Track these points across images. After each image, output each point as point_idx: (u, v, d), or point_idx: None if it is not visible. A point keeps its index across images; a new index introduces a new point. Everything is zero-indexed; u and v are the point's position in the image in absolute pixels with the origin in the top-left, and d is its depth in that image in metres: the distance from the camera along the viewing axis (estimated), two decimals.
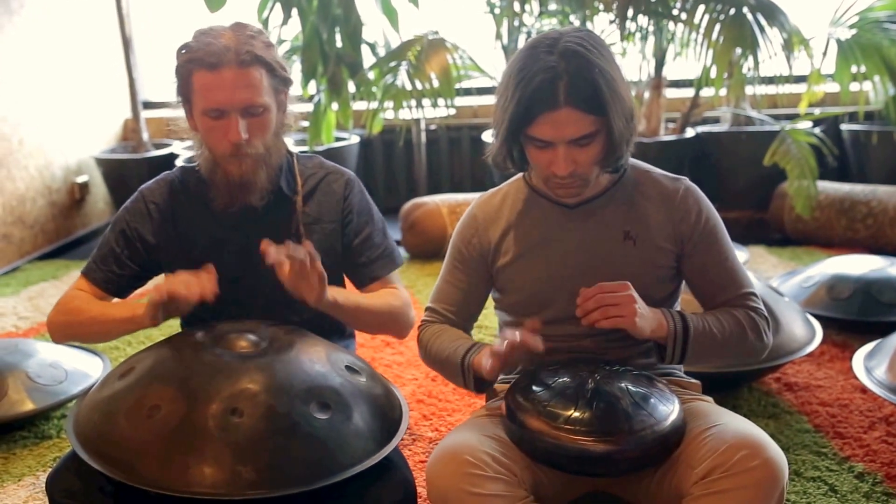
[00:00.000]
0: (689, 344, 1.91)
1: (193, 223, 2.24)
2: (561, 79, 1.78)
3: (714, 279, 2.01)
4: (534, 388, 1.83)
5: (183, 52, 2.09)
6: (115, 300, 2.28)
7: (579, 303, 1.85)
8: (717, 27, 4.30)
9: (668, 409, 1.78)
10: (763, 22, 4.27)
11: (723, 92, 4.83)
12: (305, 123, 5.10)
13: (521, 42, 5.02)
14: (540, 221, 2.03)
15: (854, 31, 4.64)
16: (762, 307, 2.01)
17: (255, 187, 2.15)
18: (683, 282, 2.08)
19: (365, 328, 2.29)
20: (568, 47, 1.80)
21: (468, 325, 2.15)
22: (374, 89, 4.79)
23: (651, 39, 4.81)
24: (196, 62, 2.05)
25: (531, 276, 2.01)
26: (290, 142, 2.45)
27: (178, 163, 5.16)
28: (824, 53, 4.70)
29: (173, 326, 2.37)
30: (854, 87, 4.76)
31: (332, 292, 2.10)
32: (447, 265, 2.14)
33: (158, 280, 2.11)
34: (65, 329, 2.23)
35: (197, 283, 1.98)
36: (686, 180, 2.04)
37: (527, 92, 1.79)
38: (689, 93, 5.18)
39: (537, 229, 2.02)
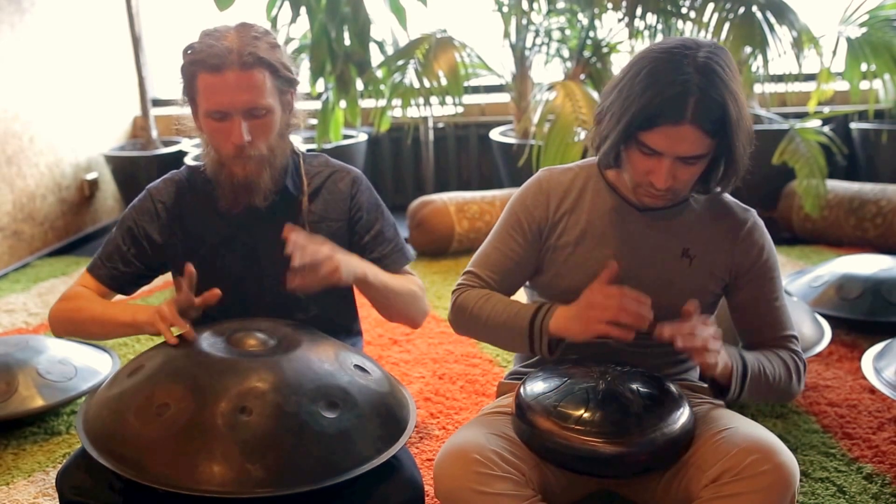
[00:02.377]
0: (746, 385, 1.89)
1: (200, 222, 2.24)
2: (693, 94, 1.74)
3: (761, 316, 2.01)
4: (544, 387, 1.83)
5: (188, 52, 2.09)
6: (118, 297, 2.29)
7: (675, 333, 1.77)
8: (727, 25, 4.30)
9: (679, 412, 1.77)
10: (772, 20, 4.27)
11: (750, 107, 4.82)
12: (314, 121, 5.10)
13: (530, 40, 5.02)
14: (605, 214, 1.99)
15: (864, 30, 4.62)
16: (801, 351, 2.01)
17: (258, 188, 2.15)
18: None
19: (389, 308, 2.26)
20: (707, 63, 1.76)
21: (509, 295, 2.06)
22: (382, 87, 4.79)
23: (659, 38, 4.80)
24: (199, 64, 2.05)
25: (583, 265, 1.98)
26: (297, 140, 2.45)
27: (188, 160, 5.17)
28: (834, 52, 4.68)
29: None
30: (864, 85, 4.74)
31: (361, 268, 2.10)
32: (499, 232, 2.06)
33: (154, 310, 2.10)
34: (65, 324, 2.24)
35: (169, 332, 2.00)
36: (754, 213, 2.03)
37: (655, 99, 1.75)
38: None
39: (601, 221, 1.99)
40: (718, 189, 1.94)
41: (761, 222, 2.02)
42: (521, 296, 2.16)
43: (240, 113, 2.05)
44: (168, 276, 2.37)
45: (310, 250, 1.95)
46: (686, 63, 1.76)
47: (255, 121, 2.08)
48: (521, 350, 2.00)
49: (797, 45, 4.26)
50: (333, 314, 2.31)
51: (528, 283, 2.13)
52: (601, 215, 2.00)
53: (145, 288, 2.36)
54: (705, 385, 2.05)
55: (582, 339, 1.84)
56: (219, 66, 2.02)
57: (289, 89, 2.15)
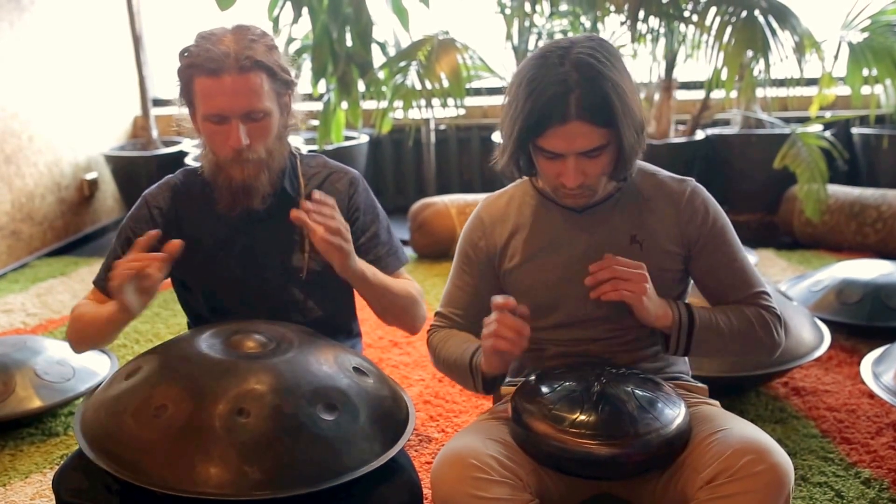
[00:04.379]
0: (694, 335, 1.90)
1: (197, 226, 2.24)
2: (572, 91, 1.76)
3: (723, 280, 2.00)
4: (540, 390, 1.83)
5: (184, 55, 2.08)
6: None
7: (592, 270, 1.85)
8: (729, 29, 4.29)
9: (674, 413, 1.77)
10: (774, 24, 4.26)
11: (733, 94, 4.82)
12: (315, 122, 5.10)
13: (532, 43, 5.02)
14: (547, 225, 2.02)
15: (866, 35, 4.62)
16: (775, 305, 2.00)
17: (256, 191, 2.15)
18: (690, 286, 2.07)
19: (388, 310, 2.26)
20: (581, 58, 1.78)
21: (479, 330, 2.08)
22: (383, 89, 4.79)
23: (662, 41, 4.80)
24: (196, 67, 2.05)
25: (539, 280, 2.00)
26: (298, 141, 2.44)
27: (188, 160, 5.17)
28: (836, 56, 4.68)
29: (181, 325, 2.37)
30: (865, 90, 4.74)
31: (362, 265, 2.11)
32: (455, 269, 2.13)
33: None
34: (74, 336, 2.23)
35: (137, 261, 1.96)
36: (692, 181, 2.03)
37: (537, 104, 1.78)
38: (699, 95, 5.17)
39: (545, 233, 2.01)
40: (628, 172, 1.94)
41: (701, 188, 2.02)
42: None
43: (238, 116, 2.05)
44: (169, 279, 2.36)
45: (336, 219, 2.00)
46: (561, 62, 1.79)
47: (253, 124, 2.07)
48: (472, 391, 2.03)
49: (799, 49, 4.26)
50: (333, 316, 2.30)
51: None
52: (543, 227, 2.02)
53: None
54: (701, 385, 2.06)
55: (490, 369, 1.89)
56: (216, 70, 2.02)
57: (286, 91, 2.15)
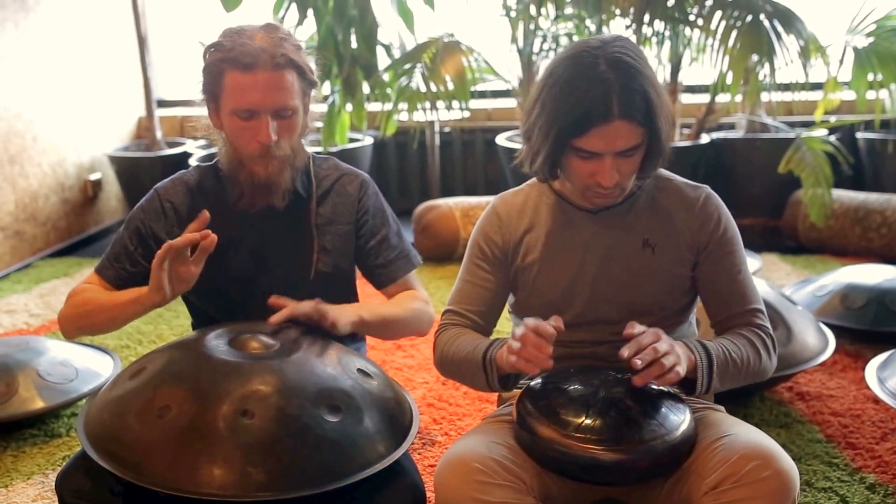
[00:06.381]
0: (714, 374, 1.88)
1: (209, 223, 2.24)
2: (613, 91, 1.76)
3: (724, 290, 2.00)
4: (545, 394, 1.83)
5: (213, 50, 2.09)
6: None
7: (628, 356, 1.75)
8: (734, 33, 4.28)
9: (680, 419, 1.77)
10: (780, 29, 4.25)
11: (738, 98, 4.81)
12: (319, 124, 5.10)
13: (537, 46, 5.01)
14: (563, 225, 2.01)
15: (871, 39, 4.61)
16: (769, 325, 2.00)
17: (278, 188, 2.16)
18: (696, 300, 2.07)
19: (392, 338, 2.29)
20: (617, 57, 1.79)
21: (489, 328, 2.10)
22: (388, 91, 4.79)
23: (667, 44, 4.79)
24: (230, 62, 2.05)
25: (551, 279, 2.00)
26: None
27: (192, 161, 5.17)
28: (841, 61, 4.67)
29: (184, 327, 2.37)
30: (870, 95, 4.73)
31: (357, 310, 2.12)
32: (467, 265, 2.10)
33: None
34: (75, 320, 2.21)
35: (183, 238, 1.98)
36: (707, 188, 2.03)
37: (579, 105, 1.77)
38: (704, 99, 5.17)
39: (560, 233, 2.01)
40: (649, 172, 1.94)
41: (716, 196, 2.03)
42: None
43: (269, 113, 2.06)
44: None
45: (301, 309, 2.03)
46: (597, 62, 1.79)
47: (281, 121, 2.09)
48: (483, 388, 1.99)
49: (804, 53, 4.25)
50: None
51: (510, 308, 2.15)
52: (558, 227, 2.02)
53: None
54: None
55: (509, 370, 1.85)
56: (251, 64, 2.03)
57: (310, 91, 2.17)
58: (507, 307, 2.16)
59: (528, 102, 1.93)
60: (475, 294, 2.07)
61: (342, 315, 2.07)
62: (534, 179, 2.10)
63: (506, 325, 2.59)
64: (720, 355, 1.90)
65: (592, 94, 1.77)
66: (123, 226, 2.28)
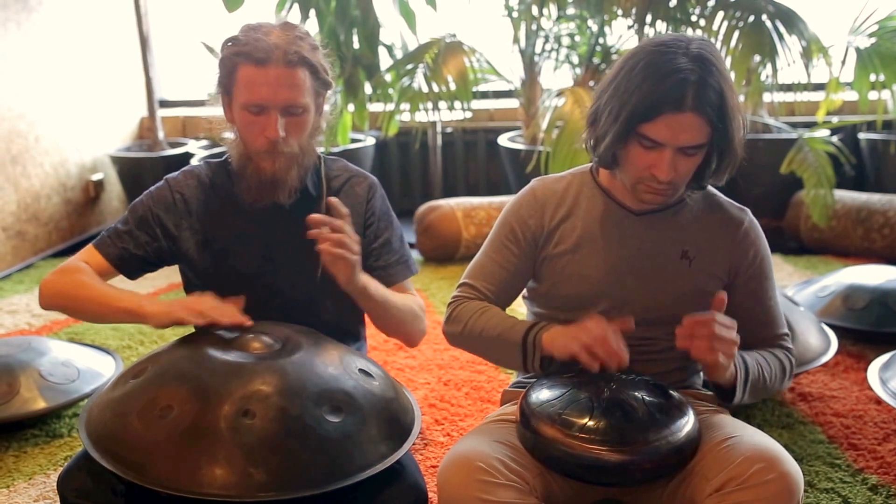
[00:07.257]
0: (748, 387, 1.90)
1: (217, 218, 2.24)
2: (691, 83, 1.77)
3: (755, 316, 2.01)
4: (549, 395, 1.82)
5: (230, 44, 2.10)
6: (116, 279, 2.26)
7: (687, 323, 1.79)
8: (736, 34, 4.29)
9: (684, 420, 1.77)
10: (782, 29, 4.26)
11: (741, 99, 4.81)
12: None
13: (539, 46, 5.02)
14: (602, 219, 2.00)
15: (873, 40, 4.62)
16: (793, 348, 2.04)
17: (284, 185, 2.16)
18: None
19: (387, 323, 2.26)
20: (701, 54, 1.80)
21: (503, 309, 2.08)
22: (390, 91, 4.79)
23: None
24: (243, 56, 2.06)
25: (583, 271, 1.99)
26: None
27: (194, 161, 5.16)
28: (843, 62, 4.67)
29: (186, 328, 2.37)
30: (872, 95, 4.73)
31: (364, 279, 2.11)
32: (494, 242, 2.07)
33: (186, 299, 2.10)
34: (58, 297, 2.18)
35: (230, 315, 2.00)
36: (749, 213, 2.05)
37: (655, 89, 1.78)
38: None
39: (598, 226, 2.00)
40: (712, 182, 1.95)
41: (756, 222, 2.05)
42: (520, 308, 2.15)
43: (278, 108, 2.07)
44: (172, 278, 2.36)
45: (345, 232, 2.00)
46: (680, 54, 1.80)
47: (290, 118, 2.09)
48: (512, 365, 2.01)
49: (806, 54, 4.25)
50: (342, 318, 2.30)
51: (526, 295, 2.14)
52: (597, 221, 2.00)
53: (150, 291, 2.34)
54: (710, 392, 2.05)
55: (560, 355, 1.86)
56: (264, 59, 2.04)
57: (323, 91, 2.18)
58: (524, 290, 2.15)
59: (600, 85, 1.92)
60: (498, 274, 2.05)
61: (358, 272, 2.07)
62: (577, 168, 2.09)
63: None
64: (755, 371, 1.92)
65: (670, 81, 1.77)
66: (128, 210, 2.27)
